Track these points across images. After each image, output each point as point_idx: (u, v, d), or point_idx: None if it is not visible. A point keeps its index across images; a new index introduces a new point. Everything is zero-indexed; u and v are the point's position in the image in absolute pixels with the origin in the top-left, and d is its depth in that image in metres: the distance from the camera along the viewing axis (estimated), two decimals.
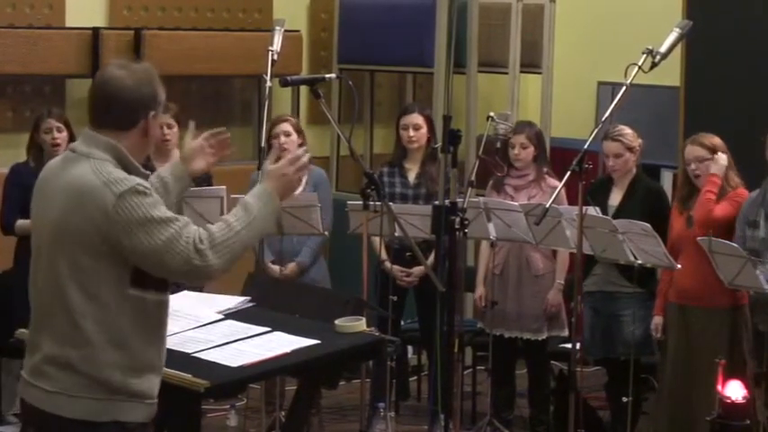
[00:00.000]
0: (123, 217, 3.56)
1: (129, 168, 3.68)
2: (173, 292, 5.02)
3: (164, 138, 6.96)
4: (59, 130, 6.76)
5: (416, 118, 7.20)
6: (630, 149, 6.71)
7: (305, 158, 3.95)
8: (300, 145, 7.15)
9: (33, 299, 3.77)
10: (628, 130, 6.75)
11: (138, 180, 3.64)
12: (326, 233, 6.99)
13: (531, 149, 7.04)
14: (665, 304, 6.47)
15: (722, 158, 6.22)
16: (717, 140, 6.34)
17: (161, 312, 3.76)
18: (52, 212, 3.67)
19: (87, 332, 3.60)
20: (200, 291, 5.21)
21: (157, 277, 3.69)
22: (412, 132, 7.17)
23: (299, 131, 7.15)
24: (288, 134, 7.09)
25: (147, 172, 3.79)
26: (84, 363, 3.62)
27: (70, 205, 3.62)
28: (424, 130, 7.19)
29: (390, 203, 5.99)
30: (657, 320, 6.49)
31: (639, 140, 6.76)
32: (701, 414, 6.10)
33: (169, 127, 7.01)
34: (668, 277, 6.40)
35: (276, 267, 6.97)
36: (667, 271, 6.34)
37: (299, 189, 7.03)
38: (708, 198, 6.19)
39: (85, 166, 3.64)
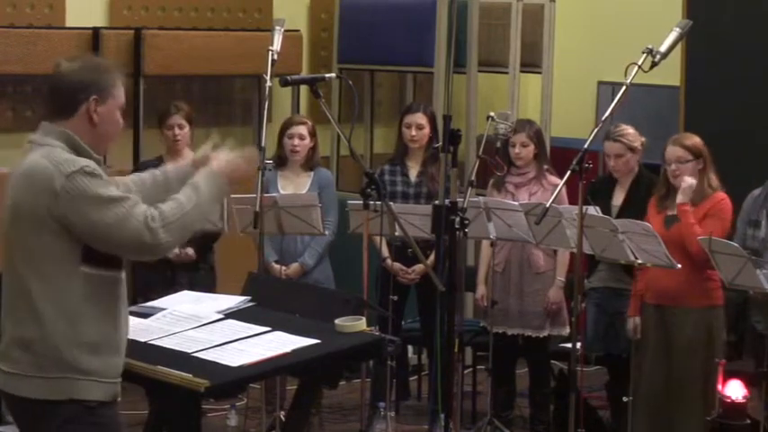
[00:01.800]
0: (72, 195, 3.67)
1: (81, 153, 3.79)
2: (174, 292, 5.05)
3: (174, 137, 7.00)
4: None
5: (420, 117, 7.20)
6: (632, 149, 6.71)
7: (254, 165, 4.20)
8: (312, 149, 7.18)
9: (2, 285, 3.87)
10: (630, 130, 6.74)
11: (87, 161, 3.74)
12: (327, 233, 6.99)
13: (531, 148, 7.05)
14: (641, 305, 6.45)
15: (688, 183, 6.19)
16: (698, 141, 6.31)
17: (115, 290, 3.84)
18: (9, 198, 3.80)
19: (41, 311, 3.71)
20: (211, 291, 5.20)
21: (109, 254, 3.77)
22: (414, 131, 7.18)
23: (313, 135, 7.17)
24: (302, 137, 7.12)
25: (99, 156, 3.86)
26: (39, 342, 3.71)
27: (21, 189, 3.75)
28: (427, 129, 7.19)
29: (391, 203, 5.99)
30: (636, 321, 6.45)
31: (642, 139, 6.76)
32: (682, 414, 6.12)
33: (180, 127, 7.04)
34: (644, 278, 6.38)
35: (278, 267, 6.98)
36: (643, 272, 6.33)
37: (303, 190, 7.06)
38: (691, 230, 6.15)
39: (37, 153, 3.77)
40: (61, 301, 3.71)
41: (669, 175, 6.33)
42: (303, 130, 7.12)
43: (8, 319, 3.82)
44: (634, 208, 6.59)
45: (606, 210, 6.56)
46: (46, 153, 3.75)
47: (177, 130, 7.02)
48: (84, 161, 3.74)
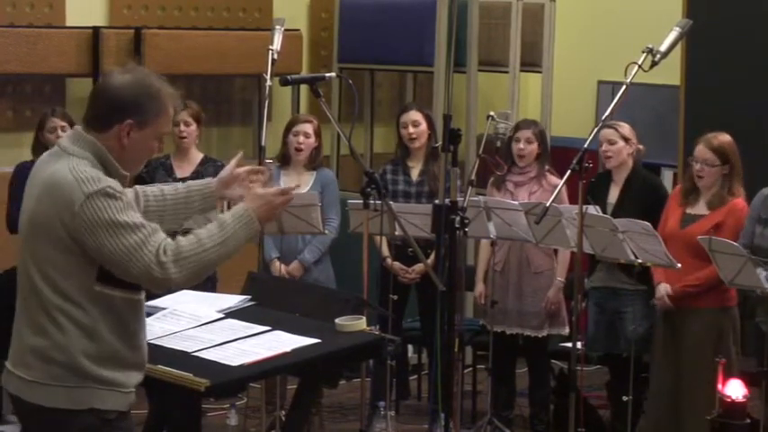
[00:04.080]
0: (88, 216, 3.57)
1: (108, 168, 3.68)
2: (170, 292, 5.03)
3: (180, 134, 6.99)
4: (64, 130, 6.73)
5: (414, 114, 7.21)
6: (625, 139, 6.71)
7: (292, 194, 3.94)
8: (316, 148, 7.17)
9: (18, 289, 3.80)
10: (626, 125, 6.76)
11: (110, 182, 3.62)
12: (329, 232, 6.99)
13: (535, 146, 7.06)
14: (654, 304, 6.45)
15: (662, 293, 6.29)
16: (727, 143, 6.26)
17: (132, 310, 3.73)
18: (29, 205, 3.73)
19: (58, 323, 3.63)
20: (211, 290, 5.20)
21: None
22: (411, 129, 7.19)
23: (318, 134, 7.18)
24: (308, 136, 7.12)
25: (126, 173, 3.75)
26: (57, 352, 3.64)
27: (43, 198, 3.66)
28: (424, 126, 7.20)
29: (391, 202, 5.99)
30: (665, 286, 6.33)
31: (638, 146, 6.75)
32: (692, 414, 6.12)
33: (186, 125, 7.02)
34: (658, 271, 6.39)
35: (279, 265, 6.98)
36: (658, 269, 6.34)
37: (305, 189, 7.06)
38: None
39: (64, 163, 3.66)
40: (78, 317, 3.62)
41: (693, 174, 6.33)
42: (309, 128, 7.13)
43: (25, 325, 3.72)
44: (628, 206, 6.60)
45: (602, 208, 6.57)
46: (73, 165, 3.63)
47: (183, 127, 7.00)
48: (107, 181, 3.61)
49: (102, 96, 3.73)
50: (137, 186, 4.15)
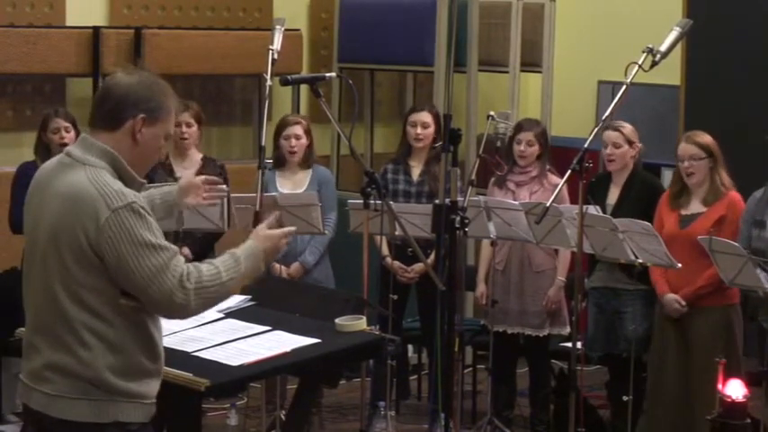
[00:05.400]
0: (114, 233, 3.52)
1: (123, 177, 3.64)
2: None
3: (181, 135, 6.98)
4: (67, 130, 6.73)
5: (425, 116, 7.21)
6: (629, 143, 6.72)
7: (293, 232, 3.93)
8: (309, 146, 7.17)
9: (28, 302, 3.74)
10: (628, 125, 6.76)
11: (135, 198, 3.57)
12: (327, 232, 6.99)
13: (536, 147, 7.05)
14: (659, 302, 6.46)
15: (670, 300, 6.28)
16: (709, 139, 6.33)
17: (153, 321, 3.70)
18: (48, 218, 3.64)
19: (83, 338, 3.58)
20: None
21: None
22: (420, 130, 7.19)
23: (309, 133, 7.17)
24: (299, 137, 7.11)
25: (143, 180, 3.73)
26: (82, 367, 3.60)
27: (65, 212, 3.59)
28: (432, 129, 7.20)
29: (391, 202, 5.99)
30: (672, 296, 6.34)
31: (639, 145, 6.76)
32: (699, 413, 6.11)
33: (188, 125, 7.02)
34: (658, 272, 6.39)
35: (279, 267, 6.98)
36: (660, 279, 6.35)
37: (303, 187, 7.06)
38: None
39: (81, 174, 3.60)
40: (101, 330, 3.58)
41: (682, 173, 6.34)
42: (299, 129, 7.12)
43: (39, 338, 3.67)
44: (628, 207, 6.60)
45: (602, 208, 6.57)
46: (92, 177, 3.57)
47: (185, 128, 7.01)
48: (132, 195, 3.55)
49: (112, 94, 3.68)
50: None
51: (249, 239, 3.80)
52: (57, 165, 3.72)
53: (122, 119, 3.65)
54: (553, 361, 7.47)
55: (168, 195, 4.25)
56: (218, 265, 3.65)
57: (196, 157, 7.12)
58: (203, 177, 4.37)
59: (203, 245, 6.92)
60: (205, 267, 3.63)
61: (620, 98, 5.48)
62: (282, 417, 6.31)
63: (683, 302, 6.29)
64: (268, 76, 6.55)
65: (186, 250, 6.83)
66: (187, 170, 6.83)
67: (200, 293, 3.58)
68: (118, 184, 3.58)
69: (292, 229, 3.93)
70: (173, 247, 3.61)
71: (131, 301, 3.60)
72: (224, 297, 3.73)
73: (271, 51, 6.65)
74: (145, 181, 3.76)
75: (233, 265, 3.67)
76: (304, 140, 7.12)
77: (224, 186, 4.55)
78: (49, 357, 3.64)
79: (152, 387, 3.72)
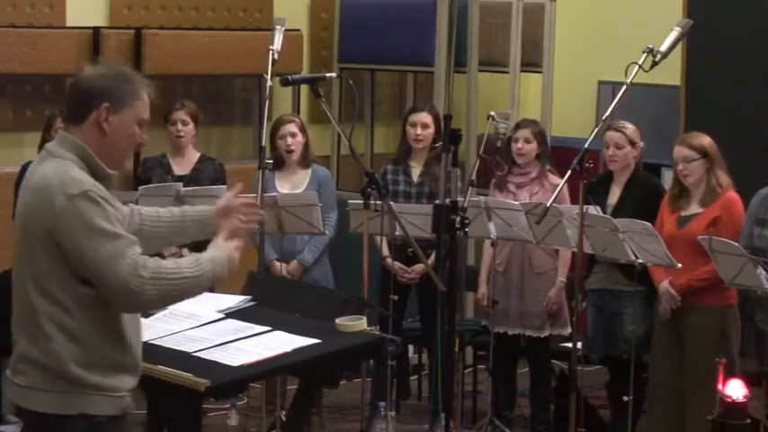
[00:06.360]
0: (68, 218, 3.56)
1: (93, 169, 3.68)
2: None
3: (177, 133, 7.03)
4: None
5: (425, 117, 7.21)
6: (632, 143, 6.72)
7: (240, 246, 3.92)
8: (305, 144, 7.17)
9: (14, 296, 3.80)
10: (630, 125, 6.77)
11: (93, 185, 3.61)
12: (327, 232, 6.99)
13: (534, 145, 7.05)
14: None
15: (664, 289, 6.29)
16: (704, 140, 6.32)
17: (118, 311, 3.71)
18: (20, 209, 3.73)
19: (46, 329, 3.63)
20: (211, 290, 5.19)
21: None
22: (419, 130, 7.19)
23: (304, 131, 7.18)
24: (294, 135, 7.12)
25: (112, 172, 3.74)
26: (46, 358, 3.64)
27: (32, 204, 3.66)
28: (432, 129, 7.20)
29: (391, 203, 6.00)
30: (667, 284, 6.36)
31: (641, 144, 6.76)
32: (696, 414, 6.12)
33: (183, 123, 7.07)
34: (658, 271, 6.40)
35: (279, 265, 6.98)
36: (659, 270, 6.35)
37: (302, 186, 7.06)
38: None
39: (50, 166, 3.67)
40: (64, 321, 3.62)
41: (678, 175, 6.35)
42: (293, 127, 7.13)
43: (20, 333, 3.73)
44: (629, 207, 6.60)
45: (602, 209, 6.57)
46: (57, 168, 3.63)
47: (180, 126, 7.05)
48: (90, 184, 3.61)
49: (75, 89, 3.75)
50: (132, 205, 4.15)
51: (209, 247, 3.83)
52: (37, 160, 3.79)
53: (88, 111, 3.70)
54: (554, 361, 7.47)
55: (201, 213, 4.20)
56: (181, 263, 3.70)
57: (193, 155, 7.14)
58: (242, 201, 4.29)
59: (202, 244, 6.91)
60: (166, 261, 3.69)
61: (620, 98, 5.49)
62: (282, 417, 6.31)
63: (676, 293, 6.28)
64: (268, 77, 6.55)
65: (186, 251, 6.84)
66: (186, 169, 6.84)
67: (156, 284, 3.60)
68: (79, 173, 3.63)
69: (240, 243, 3.91)
70: (130, 236, 3.64)
71: (91, 290, 3.62)
72: (184, 293, 3.73)
73: (271, 51, 6.65)
74: (112, 173, 3.75)
75: (195, 267, 3.69)
76: (300, 138, 7.13)
77: (262, 211, 4.49)
78: (23, 349, 3.71)
79: (124, 380, 3.73)
